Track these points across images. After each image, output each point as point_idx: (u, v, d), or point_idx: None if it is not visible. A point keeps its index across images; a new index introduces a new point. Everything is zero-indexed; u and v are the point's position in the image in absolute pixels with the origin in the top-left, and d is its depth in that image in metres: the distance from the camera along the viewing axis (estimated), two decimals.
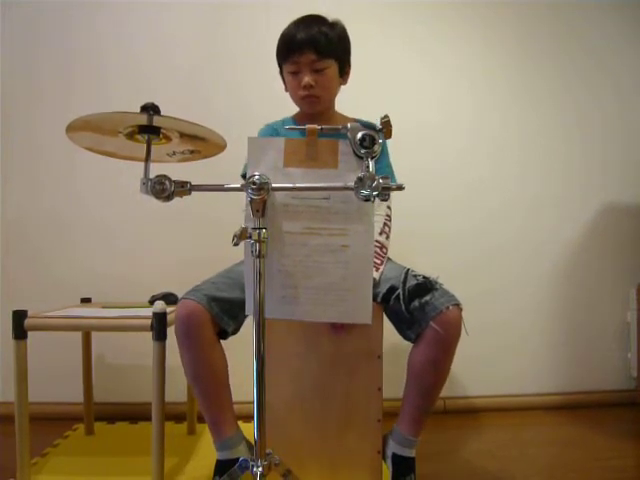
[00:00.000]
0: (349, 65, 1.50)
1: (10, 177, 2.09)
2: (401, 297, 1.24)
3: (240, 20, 2.15)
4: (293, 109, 1.56)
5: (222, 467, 1.25)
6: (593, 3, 2.30)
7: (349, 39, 1.48)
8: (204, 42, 2.15)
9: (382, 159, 1.51)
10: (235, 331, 1.32)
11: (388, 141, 1.49)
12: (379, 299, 1.29)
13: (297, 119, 1.54)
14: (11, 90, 2.10)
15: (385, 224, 1.41)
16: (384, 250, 1.37)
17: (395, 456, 1.32)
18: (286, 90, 1.50)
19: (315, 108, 1.46)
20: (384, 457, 1.35)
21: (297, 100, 1.47)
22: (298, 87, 1.41)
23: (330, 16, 1.45)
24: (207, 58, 2.15)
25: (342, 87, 1.52)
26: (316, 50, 1.37)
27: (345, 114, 1.54)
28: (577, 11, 2.29)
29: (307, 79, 1.39)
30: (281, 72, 1.50)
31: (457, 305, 1.25)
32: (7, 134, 2.10)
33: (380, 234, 1.38)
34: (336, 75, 1.45)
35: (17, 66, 2.11)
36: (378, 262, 1.32)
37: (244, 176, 1.41)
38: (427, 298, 1.24)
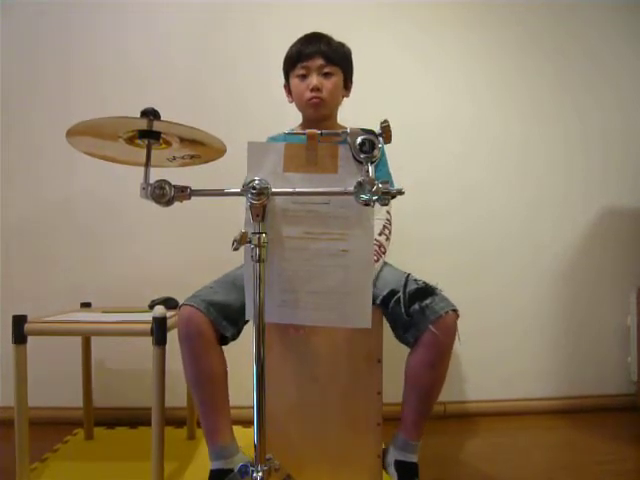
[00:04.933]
0: (351, 81, 1.58)
1: (11, 180, 2.09)
2: (401, 300, 1.26)
3: (240, 22, 2.15)
4: (293, 115, 1.56)
5: (215, 478, 1.24)
6: (592, 4, 2.30)
7: (352, 59, 1.57)
8: (204, 45, 2.15)
9: (381, 167, 1.52)
10: (235, 336, 1.32)
11: (386, 148, 1.50)
12: (378, 302, 1.29)
13: (299, 129, 1.56)
14: (11, 91, 2.10)
15: (385, 227, 1.42)
16: (382, 249, 1.38)
17: (398, 463, 1.31)
18: (290, 101, 1.57)
19: (320, 111, 1.50)
20: (385, 467, 1.35)
21: (303, 103, 1.51)
22: (305, 90, 1.47)
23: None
24: (207, 61, 2.15)
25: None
26: (325, 56, 1.46)
27: (347, 125, 1.54)
28: (576, 12, 2.30)
29: (315, 81, 1.46)
30: (287, 82, 1.56)
31: (455, 311, 1.26)
32: (7, 136, 2.10)
33: (380, 235, 1.39)
34: (341, 84, 1.53)
35: (17, 67, 2.11)
36: (375, 259, 1.32)
37: None
38: (427, 302, 1.25)
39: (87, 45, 2.13)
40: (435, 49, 2.24)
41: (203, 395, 1.28)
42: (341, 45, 1.53)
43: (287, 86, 1.58)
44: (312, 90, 1.46)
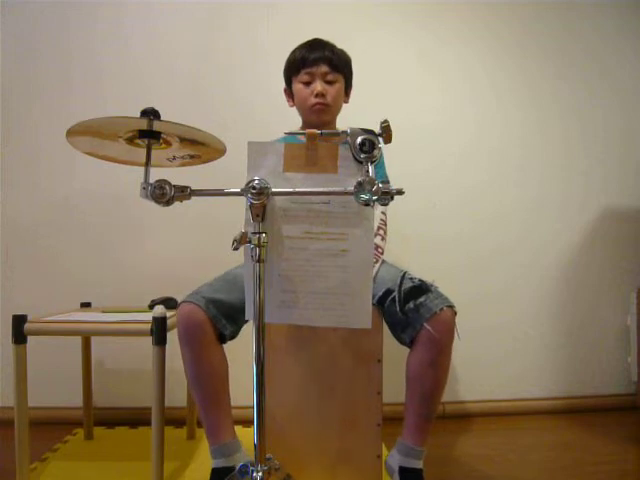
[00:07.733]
0: (351, 87, 1.62)
1: (10, 180, 2.09)
2: (396, 299, 1.26)
3: (240, 23, 2.15)
4: (293, 115, 1.56)
5: (218, 476, 1.23)
6: (594, 4, 2.30)
7: (352, 65, 1.59)
8: (204, 45, 2.15)
9: (378, 170, 1.52)
10: (233, 335, 1.32)
11: (388, 148, 1.51)
12: (375, 301, 1.30)
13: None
14: (11, 91, 2.10)
15: (380, 227, 1.44)
16: (379, 250, 1.41)
17: (402, 470, 1.30)
18: (291, 105, 1.60)
19: (323, 117, 1.53)
20: (389, 473, 1.34)
21: (306, 109, 1.53)
22: (309, 96, 1.50)
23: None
24: (207, 61, 2.15)
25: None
26: (329, 64, 1.50)
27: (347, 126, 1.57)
28: (577, 11, 2.29)
29: (320, 87, 1.49)
30: (288, 87, 1.58)
31: (451, 307, 1.26)
32: (7, 136, 2.10)
33: (375, 236, 1.39)
34: (342, 90, 1.56)
35: (17, 67, 2.11)
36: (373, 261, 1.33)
37: None
38: (421, 300, 1.25)
39: (87, 45, 2.13)
40: (437, 50, 2.24)
41: (204, 393, 1.28)
42: (343, 52, 1.56)
43: (288, 90, 1.60)
44: (317, 96, 1.49)
